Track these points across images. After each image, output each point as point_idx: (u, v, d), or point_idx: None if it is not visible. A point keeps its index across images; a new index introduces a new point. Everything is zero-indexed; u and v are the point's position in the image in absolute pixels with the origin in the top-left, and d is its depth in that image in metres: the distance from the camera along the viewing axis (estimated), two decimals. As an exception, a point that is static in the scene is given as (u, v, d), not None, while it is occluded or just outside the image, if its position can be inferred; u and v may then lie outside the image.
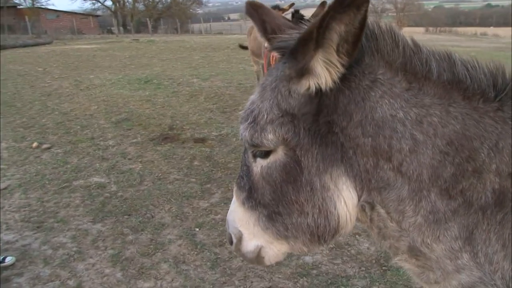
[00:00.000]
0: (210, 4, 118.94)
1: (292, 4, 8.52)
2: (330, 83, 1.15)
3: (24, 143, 7.77)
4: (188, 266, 4.09)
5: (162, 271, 4.03)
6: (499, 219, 1.08)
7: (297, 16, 5.93)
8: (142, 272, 4.02)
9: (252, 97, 1.34)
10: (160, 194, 5.57)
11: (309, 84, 1.17)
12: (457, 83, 1.14)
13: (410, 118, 1.13)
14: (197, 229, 4.72)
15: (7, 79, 14.30)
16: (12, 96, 11.66)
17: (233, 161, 6.60)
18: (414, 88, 1.15)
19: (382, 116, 1.15)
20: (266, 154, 1.29)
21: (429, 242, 1.18)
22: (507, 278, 1.11)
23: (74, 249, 4.42)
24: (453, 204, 1.12)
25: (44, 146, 7.52)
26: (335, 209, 1.25)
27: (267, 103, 1.25)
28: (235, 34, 43.72)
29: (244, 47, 10.69)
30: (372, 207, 1.25)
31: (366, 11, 1.01)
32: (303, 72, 1.16)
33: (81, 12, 62.12)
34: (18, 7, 58.02)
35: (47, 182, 6.11)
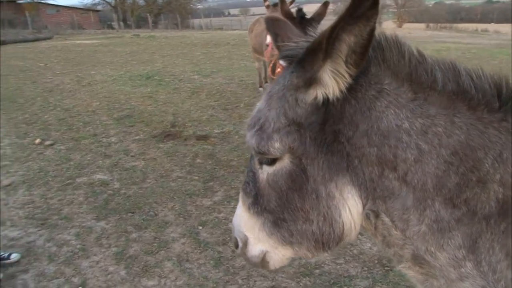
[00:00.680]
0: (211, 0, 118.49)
1: (293, 1, 8.51)
2: (337, 93, 1.17)
3: (27, 139, 7.80)
4: (192, 264, 4.13)
5: (166, 269, 4.07)
6: (502, 229, 1.11)
7: (300, 15, 5.93)
8: (146, 270, 4.06)
9: (259, 105, 1.35)
10: (163, 192, 5.60)
11: (317, 93, 1.19)
12: (462, 93, 1.16)
13: (415, 128, 1.15)
14: (200, 227, 4.76)
15: (9, 74, 14.31)
16: (14, 92, 11.68)
17: (235, 159, 6.63)
18: (419, 98, 1.17)
19: (387, 126, 1.17)
20: (272, 161, 1.31)
21: (433, 251, 1.20)
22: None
23: (78, 246, 4.46)
24: (457, 213, 1.14)
25: (47, 142, 7.54)
26: (340, 217, 1.27)
27: (274, 111, 1.27)
28: (235, 29, 43.60)
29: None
30: (377, 216, 1.27)
31: (375, 22, 1.03)
32: (311, 81, 1.19)
33: (81, 7, 61.90)
34: (18, 1, 57.80)
35: (50, 179, 6.14)
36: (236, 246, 1.57)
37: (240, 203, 1.51)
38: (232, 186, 5.65)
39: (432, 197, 1.16)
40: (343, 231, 1.30)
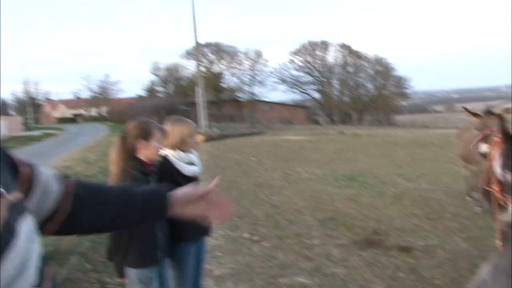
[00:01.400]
0: (415, 96, 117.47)
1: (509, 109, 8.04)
2: None
3: (237, 232, 8.49)
4: None
5: None
6: None
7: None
8: None
9: (482, 277, 1.28)
10: (363, 304, 5.55)
11: None
12: None
13: None
14: None
15: (227, 167, 15.98)
16: (229, 184, 12.95)
17: (439, 277, 6.26)
18: None
19: None
20: None
21: None
22: None
23: None
24: None
25: (255, 237, 8.11)
26: None
27: None
28: (440, 128, 42.19)
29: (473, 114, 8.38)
30: None
31: None
32: None
33: (291, 103, 66.97)
34: (239, 100, 65.42)
35: (255, 275, 6.54)
36: None
37: None
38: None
39: None
40: None
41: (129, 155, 3.40)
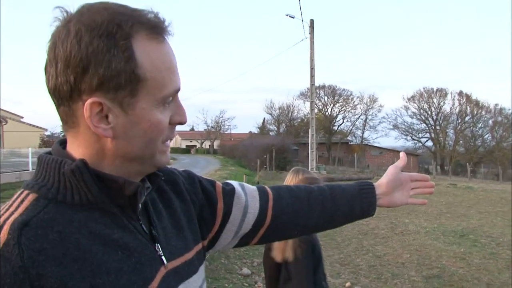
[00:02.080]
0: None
1: None
2: None
3: (339, 280, 8.55)
4: None
5: None
6: None
7: None
8: None
9: None
10: None
11: None
12: None
13: None
14: None
15: (332, 212, 15.97)
16: (333, 229, 12.95)
17: None
18: None
19: None
20: None
21: None
22: None
23: None
24: None
25: (356, 287, 8.13)
26: None
27: None
28: None
29: None
30: None
31: None
32: None
33: (402, 150, 65.12)
34: (349, 143, 65.13)
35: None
36: None
37: None
38: None
39: None
40: None
41: None
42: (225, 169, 33.98)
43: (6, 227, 0.84)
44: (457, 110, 63.68)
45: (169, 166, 1.23)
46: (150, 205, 1.12)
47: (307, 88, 48.31)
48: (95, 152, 0.97)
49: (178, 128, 1.12)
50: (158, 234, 1.08)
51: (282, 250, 3.20)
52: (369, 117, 67.29)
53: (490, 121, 63.19)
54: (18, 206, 0.90)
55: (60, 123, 1.01)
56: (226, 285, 7.64)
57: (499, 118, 62.76)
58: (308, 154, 34.79)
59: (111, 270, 0.91)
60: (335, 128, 67.86)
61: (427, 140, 66.88)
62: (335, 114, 67.51)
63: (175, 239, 1.14)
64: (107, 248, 0.92)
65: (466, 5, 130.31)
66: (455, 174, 50.06)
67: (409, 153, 63.64)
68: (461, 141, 64.12)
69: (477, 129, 64.02)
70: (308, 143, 34.78)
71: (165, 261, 1.05)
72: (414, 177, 1.64)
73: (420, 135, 67.08)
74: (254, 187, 1.44)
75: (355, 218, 1.53)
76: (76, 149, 0.98)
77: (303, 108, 67.73)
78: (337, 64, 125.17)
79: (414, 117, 65.65)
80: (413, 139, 67.09)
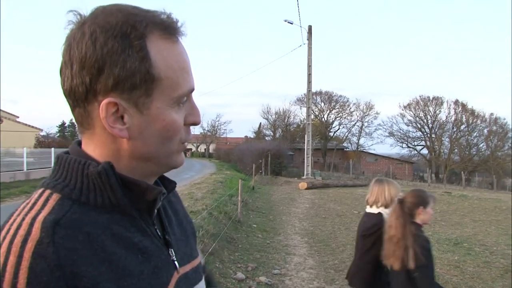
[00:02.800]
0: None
1: None
2: None
3: (333, 286, 8.54)
4: None
5: None
6: None
7: None
8: None
9: None
10: None
11: None
12: None
13: None
14: None
15: (327, 217, 16.02)
16: (328, 235, 13.00)
17: None
18: None
19: None
20: None
21: None
22: None
23: None
24: None
25: (351, 294, 8.12)
26: None
27: None
28: None
29: None
30: None
31: None
32: None
33: (398, 158, 65.26)
34: (345, 149, 65.20)
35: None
36: None
37: None
38: None
39: None
40: None
41: (408, 219, 3.89)
42: (220, 173, 33.85)
43: (37, 225, 0.83)
44: (453, 118, 63.82)
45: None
46: (162, 211, 1.13)
47: (304, 94, 48.53)
48: (112, 153, 0.97)
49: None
50: (171, 239, 1.09)
51: (402, 258, 3.56)
52: (365, 124, 67.35)
53: (485, 130, 63.41)
54: (44, 205, 0.89)
55: (76, 125, 1.01)
56: (221, 289, 7.63)
57: (494, 128, 62.96)
58: (304, 159, 34.90)
59: (134, 273, 0.91)
60: (331, 134, 67.83)
61: (422, 148, 67.00)
62: (331, 120, 67.44)
63: (183, 245, 1.16)
64: (129, 251, 0.93)
65: (463, 13, 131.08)
66: (450, 182, 50.14)
67: (404, 160, 63.87)
68: (456, 150, 64.22)
69: (472, 138, 64.18)
70: (304, 149, 34.88)
71: (177, 266, 1.06)
72: None
73: (416, 143, 67.15)
74: None
75: None
76: (92, 151, 0.99)
77: (300, 113, 67.60)
78: (334, 70, 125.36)
79: (410, 124, 65.74)
80: (408, 147, 67.14)
